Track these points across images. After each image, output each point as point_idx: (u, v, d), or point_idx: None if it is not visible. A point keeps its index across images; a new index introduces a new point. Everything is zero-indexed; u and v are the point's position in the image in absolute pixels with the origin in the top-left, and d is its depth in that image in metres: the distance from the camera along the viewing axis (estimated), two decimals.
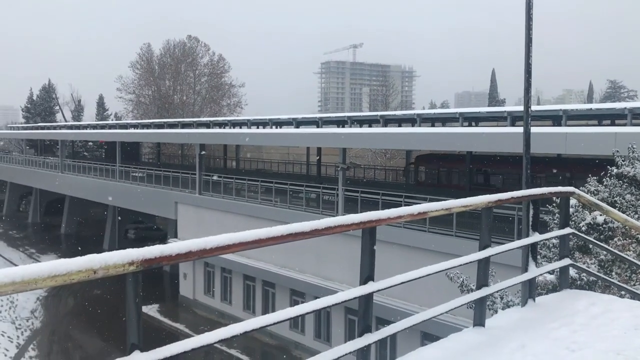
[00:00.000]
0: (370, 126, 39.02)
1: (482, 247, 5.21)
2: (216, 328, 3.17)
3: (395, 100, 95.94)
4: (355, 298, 3.93)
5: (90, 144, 71.73)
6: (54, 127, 68.91)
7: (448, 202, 4.82)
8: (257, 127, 45.07)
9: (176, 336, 28.63)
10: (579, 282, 8.66)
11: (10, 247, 50.92)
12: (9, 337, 30.44)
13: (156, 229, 48.56)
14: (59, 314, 35.31)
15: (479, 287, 5.28)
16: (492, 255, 5.23)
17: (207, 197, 33.19)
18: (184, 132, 43.37)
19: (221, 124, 50.09)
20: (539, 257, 7.37)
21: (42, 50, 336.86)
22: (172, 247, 2.93)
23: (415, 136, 24.79)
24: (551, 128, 25.56)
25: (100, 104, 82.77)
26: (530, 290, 6.10)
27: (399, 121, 38.03)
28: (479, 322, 5.33)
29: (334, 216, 4.90)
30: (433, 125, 36.37)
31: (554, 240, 9.78)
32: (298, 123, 40.20)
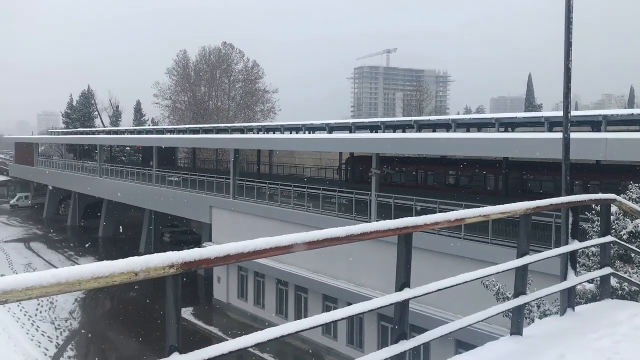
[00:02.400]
0: (404, 132, 38.84)
1: (521, 255, 5.13)
2: (249, 332, 3.20)
3: (430, 105, 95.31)
4: (391, 305, 3.91)
5: (128, 149, 73.16)
6: (93, 133, 70.62)
7: (486, 209, 4.76)
8: (291, 133, 45.33)
9: (210, 340, 28.91)
10: (620, 292, 8.43)
11: (50, 249, 52.29)
12: (49, 337, 31.21)
13: (191, 233, 49.21)
14: (96, 316, 36.04)
15: (516, 296, 5.20)
16: (531, 263, 5.14)
17: (241, 202, 33.48)
18: (219, 138, 43.88)
19: (255, 130, 50.54)
20: (578, 265, 7.21)
21: (82, 58, 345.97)
22: (211, 250, 2.97)
23: (451, 142, 24.55)
24: (591, 134, 25.00)
25: (138, 110, 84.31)
26: (570, 299, 5.97)
27: (434, 126, 37.76)
28: (517, 331, 5.23)
29: (367, 222, 4.90)
30: (468, 131, 35.99)
31: (593, 249, 9.56)
32: (331, 129, 40.27)
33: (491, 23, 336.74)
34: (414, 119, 37.23)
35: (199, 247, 3.18)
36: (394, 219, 4.09)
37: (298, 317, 28.57)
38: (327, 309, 26.92)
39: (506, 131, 32.55)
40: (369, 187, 27.45)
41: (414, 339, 4.05)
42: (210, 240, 36.14)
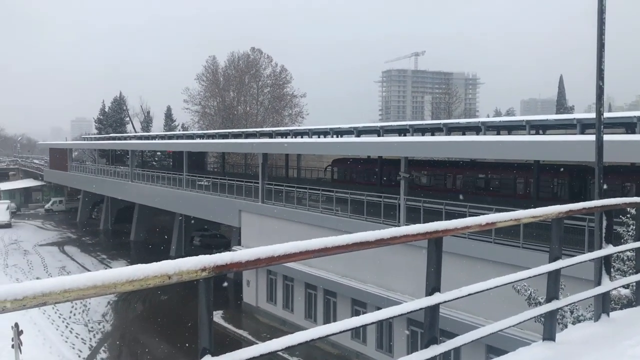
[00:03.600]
0: (432, 135, 38.57)
1: (553, 259, 5.05)
2: (278, 336, 3.23)
3: (459, 108, 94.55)
4: (421, 309, 3.89)
5: (159, 153, 74.22)
6: (125, 138, 71.78)
7: (517, 213, 4.71)
8: (319, 137, 45.40)
9: (239, 342, 29.09)
10: None
11: (83, 252, 53.32)
12: (82, 338, 31.82)
13: (220, 237, 49.61)
14: (128, 318, 36.60)
15: (549, 300, 5.12)
16: (563, 267, 5.06)
17: (270, 206, 33.64)
18: (247, 142, 44.17)
19: (283, 134, 50.76)
20: (612, 270, 7.07)
21: (114, 64, 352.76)
22: (242, 254, 3.00)
23: (480, 145, 24.31)
24: (625, 136, 24.48)
25: (168, 115, 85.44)
26: (604, 304, 5.86)
27: (463, 129, 37.37)
28: (549, 336, 5.15)
29: (396, 225, 4.89)
30: (498, 134, 35.55)
31: (628, 253, 9.37)
32: (359, 132, 40.20)
33: (521, 24, 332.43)
34: (442, 121, 36.90)
35: (229, 251, 3.22)
36: (422, 222, 4.08)
37: (327, 321, 28.55)
38: (356, 313, 26.87)
39: (537, 134, 32.07)
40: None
41: (444, 344, 4.02)
42: (239, 243, 36.40)
